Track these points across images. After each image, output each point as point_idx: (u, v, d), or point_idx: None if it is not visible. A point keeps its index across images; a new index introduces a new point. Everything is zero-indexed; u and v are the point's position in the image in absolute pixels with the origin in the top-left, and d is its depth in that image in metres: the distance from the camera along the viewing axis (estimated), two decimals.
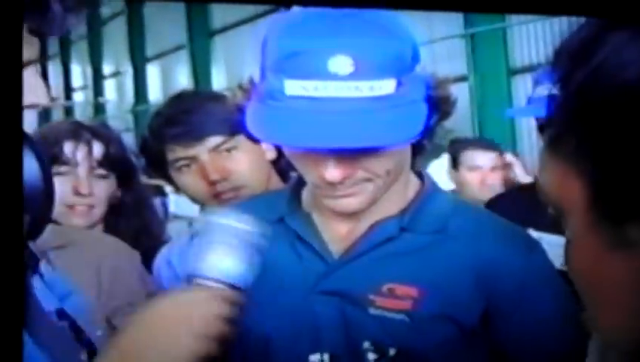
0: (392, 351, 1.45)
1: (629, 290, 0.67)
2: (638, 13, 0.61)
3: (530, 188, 2.18)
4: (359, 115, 1.36)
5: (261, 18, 14.78)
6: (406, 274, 1.48)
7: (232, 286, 1.35)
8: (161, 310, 1.35)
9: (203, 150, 2.04)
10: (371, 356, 1.45)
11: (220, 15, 16.54)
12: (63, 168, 2.12)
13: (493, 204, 2.32)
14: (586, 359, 0.98)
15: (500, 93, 10.66)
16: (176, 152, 2.06)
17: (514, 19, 10.96)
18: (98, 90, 23.24)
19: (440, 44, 10.45)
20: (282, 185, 2.14)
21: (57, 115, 23.70)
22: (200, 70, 16.97)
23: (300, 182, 1.60)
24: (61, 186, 1.99)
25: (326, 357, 1.47)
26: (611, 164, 0.63)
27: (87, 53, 23.08)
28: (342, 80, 1.36)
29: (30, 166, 0.71)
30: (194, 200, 2.16)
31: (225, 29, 16.51)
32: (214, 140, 2.04)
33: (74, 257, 1.65)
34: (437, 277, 1.47)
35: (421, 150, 1.56)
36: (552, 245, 1.85)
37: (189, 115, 2.05)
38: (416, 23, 1.47)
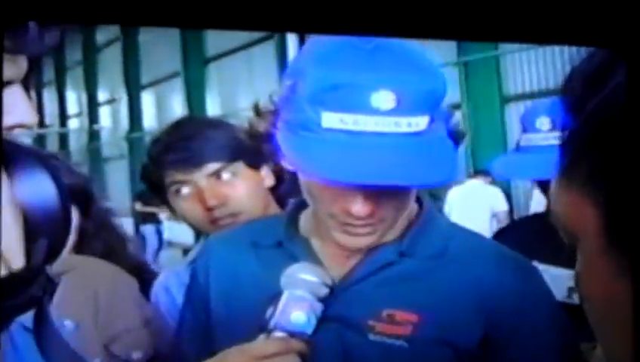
0: None
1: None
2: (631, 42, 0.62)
3: (534, 221, 2.19)
4: (397, 152, 1.36)
5: (255, 46, 14.83)
6: (405, 299, 1.48)
7: (302, 337, 1.43)
8: (231, 358, 1.43)
9: (201, 176, 2.05)
10: None
11: (214, 43, 16.58)
12: None
13: (501, 235, 2.33)
14: None
15: (493, 121, 10.70)
16: (174, 177, 2.07)
17: (507, 47, 11.00)
18: (93, 117, 23.25)
19: None
20: (280, 212, 2.15)
21: (52, 142, 23.72)
22: (194, 97, 17.00)
23: (298, 208, 1.61)
24: None
25: None
26: (624, 191, 0.63)
27: (82, 80, 23.10)
28: (383, 115, 1.35)
29: (47, 189, 0.71)
30: (192, 225, 2.17)
31: (219, 57, 16.55)
32: (213, 166, 2.05)
33: (72, 283, 1.66)
34: (436, 302, 1.48)
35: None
36: (556, 277, 1.86)
37: (188, 142, 2.06)
38: None
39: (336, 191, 1.41)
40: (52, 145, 22.51)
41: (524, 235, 2.20)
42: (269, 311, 1.44)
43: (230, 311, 1.51)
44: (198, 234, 2.27)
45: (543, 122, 2.14)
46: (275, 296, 1.45)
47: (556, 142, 2.18)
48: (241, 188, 2.06)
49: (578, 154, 0.68)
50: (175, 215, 2.21)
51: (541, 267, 1.89)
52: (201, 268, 1.68)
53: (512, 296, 1.50)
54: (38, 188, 0.71)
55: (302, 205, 1.60)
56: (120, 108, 21.20)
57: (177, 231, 12.97)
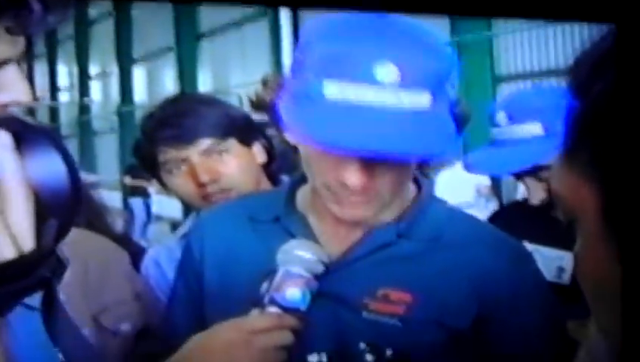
0: (388, 352, 1.46)
1: None
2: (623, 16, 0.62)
3: (524, 204, 2.20)
4: (396, 124, 1.36)
5: (248, 23, 14.78)
6: (401, 279, 1.49)
7: (296, 313, 1.44)
8: (224, 333, 1.44)
9: (194, 152, 2.05)
10: (369, 357, 1.47)
11: (207, 18, 16.53)
12: None
13: (493, 218, 2.35)
14: None
15: (485, 102, 10.70)
16: (167, 154, 2.08)
17: (500, 28, 10.99)
18: (84, 91, 23.17)
19: None
20: (273, 188, 2.16)
21: (42, 114, 23.62)
22: (186, 73, 16.94)
23: (296, 184, 1.62)
24: None
25: (324, 357, 1.49)
26: (622, 175, 0.63)
27: (74, 54, 23.01)
28: (384, 88, 1.36)
29: (58, 168, 0.71)
30: (183, 201, 2.18)
31: (212, 33, 16.49)
32: (206, 143, 2.06)
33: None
34: (431, 284, 1.49)
35: (423, 161, 1.59)
36: (546, 257, 1.88)
37: (181, 118, 2.07)
38: None
39: (333, 161, 1.42)
40: (42, 118, 22.42)
41: (515, 217, 2.22)
42: (263, 287, 1.45)
43: (224, 284, 1.52)
44: (187, 208, 2.28)
45: (501, 117, 2.16)
46: (270, 272, 1.46)
47: (514, 136, 2.18)
48: (233, 165, 2.07)
49: (581, 138, 0.69)
50: (166, 190, 2.22)
51: (531, 247, 1.91)
52: (196, 240, 1.68)
53: (505, 280, 1.51)
54: (49, 167, 0.71)
55: (300, 182, 1.61)
56: (111, 82, 21.14)
57: (166, 205, 12.97)
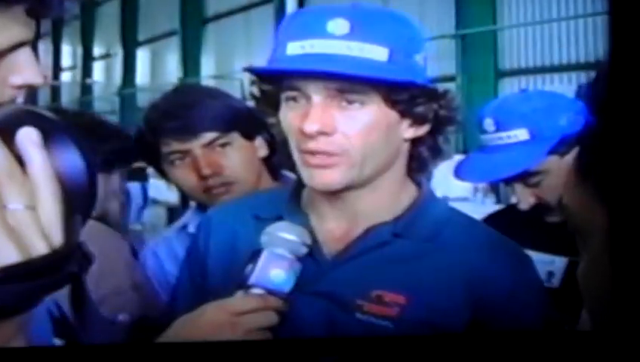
0: None
1: None
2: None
3: (516, 208, 2.21)
4: (347, 62, 1.44)
5: (254, 8, 14.76)
6: (395, 281, 1.50)
7: (280, 296, 1.45)
8: (210, 314, 1.45)
9: (197, 145, 2.05)
10: None
11: (213, 3, 16.50)
12: None
13: (487, 220, 2.36)
14: None
15: (487, 95, 10.69)
16: (170, 146, 2.08)
17: (505, 22, 10.98)
18: (86, 71, 23.14)
19: (430, 44, 10.45)
20: (273, 183, 2.17)
21: (44, 94, 23.59)
22: (190, 57, 16.92)
23: (301, 183, 1.63)
24: None
25: None
26: (632, 197, 0.64)
27: (78, 34, 22.97)
28: (336, 39, 1.44)
29: (78, 164, 0.72)
30: (184, 193, 2.19)
31: (217, 18, 16.47)
32: (209, 136, 2.06)
33: None
34: (425, 286, 1.49)
35: (419, 158, 1.58)
36: (536, 262, 1.89)
37: (186, 110, 2.07)
38: None
39: (293, 114, 1.48)
40: (44, 98, 22.40)
41: (507, 221, 2.22)
42: (248, 268, 1.46)
43: (226, 280, 1.53)
44: (184, 194, 2.28)
45: (488, 123, 2.17)
46: (254, 254, 1.47)
47: (501, 142, 2.17)
48: (236, 158, 2.08)
49: (596, 156, 0.70)
50: (167, 181, 2.22)
51: None
52: (203, 236, 1.70)
53: (501, 283, 1.51)
54: (70, 163, 0.72)
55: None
56: (114, 63, 21.10)
57: (162, 190, 12.94)
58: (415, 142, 1.56)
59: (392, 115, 1.49)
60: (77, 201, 0.72)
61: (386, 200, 1.56)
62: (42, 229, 0.69)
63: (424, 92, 1.51)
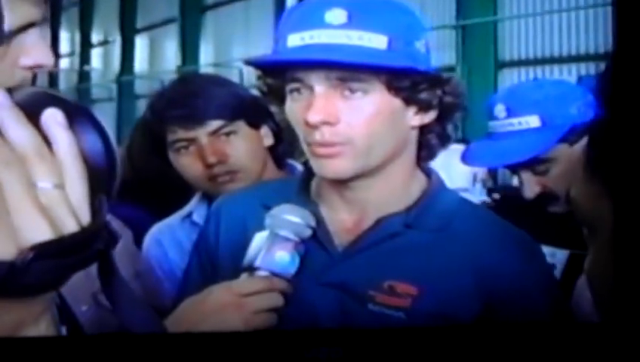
0: None
1: None
2: None
3: (516, 198, 2.20)
4: (346, 50, 1.45)
5: None
6: (407, 271, 1.50)
7: (285, 277, 1.46)
8: (216, 296, 1.45)
9: (203, 133, 2.05)
10: None
11: None
12: None
13: (500, 206, 2.35)
14: None
15: (487, 86, 10.70)
16: (176, 134, 2.08)
17: (506, 12, 10.98)
18: (85, 58, 23.13)
19: (430, 34, 10.46)
20: (278, 172, 2.17)
21: (41, 80, 23.55)
22: (189, 44, 16.92)
23: (310, 173, 1.62)
24: None
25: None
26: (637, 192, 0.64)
27: (77, 20, 22.96)
28: (335, 28, 1.45)
29: (100, 145, 0.73)
30: (189, 181, 2.18)
31: (217, 5, 16.46)
32: (215, 124, 2.05)
33: None
34: (437, 277, 1.49)
35: (428, 145, 1.58)
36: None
37: (192, 98, 2.06)
38: None
39: (298, 106, 1.49)
40: (41, 84, 22.32)
41: (507, 211, 2.22)
42: (253, 251, 1.47)
43: (237, 270, 1.52)
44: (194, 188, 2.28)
45: (500, 109, 2.16)
46: (259, 236, 1.48)
47: (511, 128, 2.17)
48: (241, 147, 2.07)
49: (605, 151, 0.69)
50: (172, 168, 2.22)
51: None
52: (212, 226, 1.70)
53: (512, 274, 1.51)
54: (93, 144, 0.73)
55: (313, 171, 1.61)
56: (113, 50, 21.10)
57: None
58: (423, 130, 1.56)
59: (396, 102, 1.49)
60: (100, 182, 0.73)
61: (396, 190, 1.56)
62: (71, 208, 0.69)
63: (426, 78, 1.51)
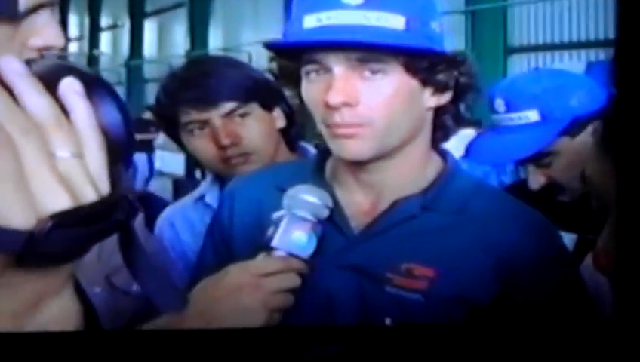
0: None
1: None
2: None
3: (524, 188, 2.20)
4: (364, 31, 1.43)
5: None
6: (425, 254, 1.49)
7: (302, 258, 1.45)
8: (233, 276, 1.44)
9: (216, 115, 2.05)
10: None
11: None
12: None
13: (514, 188, 2.35)
14: None
15: (496, 72, 10.68)
16: (189, 115, 2.07)
17: None
18: (94, 42, 23.12)
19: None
20: (290, 154, 2.17)
21: None
22: (197, 29, 16.90)
23: (324, 156, 1.62)
24: None
25: None
26: None
27: (86, 5, 22.93)
28: (352, 9, 1.43)
29: (117, 117, 0.73)
30: (203, 163, 2.18)
31: None
32: (228, 106, 2.05)
33: None
34: (454, 259, 1.48)
35: (443, 127, 1.58)
36: None
37: (205, 79, 2.06)
38: None
39: (316, 87, 1.47)
40: None
41: (517, 196, 2.22)
42: (270, 231, 1.46)
43: (252, 252, 1.52)
44: (190, 166, 2.28)
45: (499, 104, 2.16)
46: (276, 216, 1.47)
47: (512, 123, 2.16)
48: (254, 129, 2.07)
49: (617, 129, 0.69)
50: (185, 151, 2.22)
51: None
52: (226, 209, 1.70)
53: (529, 256, 1.50)
54: (110, 115, 0.72)
55: (328, 152, 1.60)
56: (122, 34, 21.08)
57: (168, 161, 12.96)
58: (438, 111, 1.56)
59: (414, 83, 1.48)
60: (118, 153, 0.73)
61: (412, 172, 1.56)
62: (90, 177, 0.69)
63: (443, 59, 1.50)
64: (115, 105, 0.73)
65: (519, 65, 10.87)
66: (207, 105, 2.04)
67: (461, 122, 1.59)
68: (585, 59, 10.20)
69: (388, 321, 1.48)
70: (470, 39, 11.19)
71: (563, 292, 1.53)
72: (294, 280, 1.44)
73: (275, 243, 1.45)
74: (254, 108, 2.08)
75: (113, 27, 22.18)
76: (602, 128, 0.73)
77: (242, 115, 2.06)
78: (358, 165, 1.53)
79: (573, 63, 10.05)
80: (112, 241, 1.79)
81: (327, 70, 1.46)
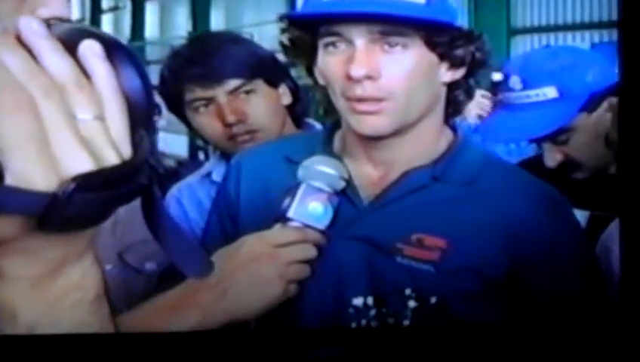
0: (432, 300, 1.47)
1: None
2: None
3: (540, 164, 2.19)
4: (385, 3, 1.43)
5: None
6: (435, 224, 1.49)
7: (318, 229, 1.45)
8: (249, 246, 1.44)
9: (221, 92, 2.04)
10: (412, 303, 1.47)
11: None
12: None
13: (528, 164, 2.34)
14: None
15: (499, 53, 10.64)
16: (194, 93, 2.07)
17: None
18: (95, 24, 23.06)
19: None
20: (296, 131, 2.16)
21: None
22: (199, 10, 16.86)
23: (333, 128, 1.62)
24: None
25: (370, 300, 1.50)
26: None
27: None
28: None
29: (137, 81, 0.72)
30: (209, 141, 2.17)
31: None
32: (233, 83, 2.04)
33: None
34: (465, 230, 1.48)
35: (455, 101, 1.58)
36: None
37: (209, 57, 2.05)
38: None
39: (337, 60, 1.47)
40: None
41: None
42: (285, 202, 1.46)
43: (259, 224, 1.52)
44: (193, 146, 2.28)
45: (515, 81, 2.15)
46: (292, 187, 1.47)
47: (528, 100, 2.16)
48: (260, 106, 2.07)
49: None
50: (190, 129, 2.21)
51: None
52: (232, 182, 1.69)
53: (541, 229, 1.50)
54: (131, 79, 0.71)
55: (337, 125, 1.61)
56: (123, 16, 21.04)
57: (172, 143, 13.03)
58: (451, 86, 1.56)
59: (432, 57, 1.49)
60: (139, 117, 0.71)
61: (424, 147, 1.56)
62: (112, 140, 0.68)
63: (462, 34, 1.50)
64: (135, 69, 0.72)
65: (523, 46, 10.84)
66: (212, 82, 2.04)
67: (471, 97, 1.60)
68: (589, 41, 10.17)
69: (408, 291, 1.48)
70: (473, 20, 11.16)
71: (574, 268, 1.53)
72: (310, 252, 1.44)
73: (290, 213, 1.45)
74: (259, 85, 2.07)
75: (115, 9, 22.14)
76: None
77: (247, 92, 2.06)
78: (371, 140, 1.53)
79: (577, 44, 10.03)
80: (126, 218, 1.78)
81: (348, 42, 1.45)
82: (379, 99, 1.45)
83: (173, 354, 1.21)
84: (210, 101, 2.06)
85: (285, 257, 1.42)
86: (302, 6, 1.52)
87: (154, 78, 2.27)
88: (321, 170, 1.48)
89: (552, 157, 2.14)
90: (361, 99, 1.45)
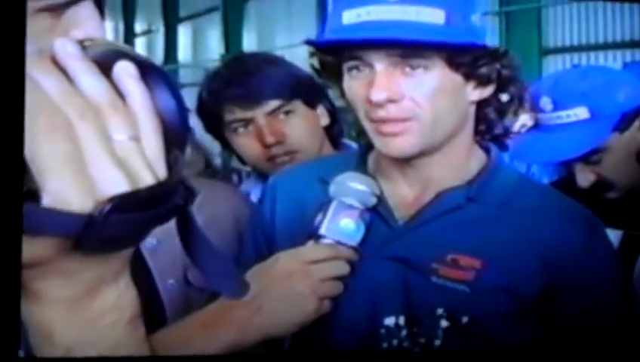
0: (464, 319, 1.47)
1: None
2: None
3: (572, 185, 2.18)
4: (404, 28, 1.43)
5: None
6: (470, 244, 1.50)
7: (350, 246, 1.46)
8: (283, 263, 1.46)
9: (260, 113, 2.06)
10: (444, 323, 1.48)
11: None
12: None
13: (559, 184, 2.34)
14: None
15: (531, 73, 10.61)
16: (234, 113, 2.08)
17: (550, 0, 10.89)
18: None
19: None
20: (334, 152, 2.17)
21: None
22: (231, 33, 16.91)
23: (368, 148, 1.63)
24: None
25: (401, 320, 1.51)
26: None
27: (120, 10, 23.02)
28: (391, 4, 1.43)
29: (172, 102, 0.72)
30: (248, 162, 2.19)
31: None
32: (272, 104, 2.06)
33: None
34: (500, 250, 1.49)
35: (486, 119, 1.58)
36: None
37: (248, 77, 2.07)
38: None
39: (359, 84, 1.48)
40: None
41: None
42: (317, 218, 1.47)
43: (294, 242, 1.53)
44: (226, 169, 2.28)
45: (546, 102, 2.14)
46: (324, 204, 1.48)
47: (560, 121, 2.16)
48: (299, 127, 2.08)
49: None
50: (229, 151, 2.23)
51: None
52: (268, 202, 1.70)
53: (575, 250, 1.50)
54: (165, 100, 0.71)
55: (370, 146, 1.61)
56: (156, 40, 21.15)
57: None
58: (481, 104, 1.56)
59: (457, 78, 1.48)
60: (174, 138, 0.72)
61: (456, 166, 1.56)
62: (147, 161, 0.68)
63: (486, 53, 1.50)
64: (169, 90, 0.72)
65: (554, 66, 10.79)
66: (252, 103, 2.05)
67: (504, 115, 1.58)
68: (620, 60, 10.12)
69: (440, 311, 1.49)
70: (504, 40, 11.13)
71: (608, 289, 1.53)
72: (343, 268, 1.45)
73: (323, 230, 1.46)
74: (298, 106, 2.09)
75: (148, 32, 22.25)
76: None
77: (286, 113, 2.07)
78: (403, 160, 1.54)
79: (609, 64, 9.98)
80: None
81: (369, 66, 1.46)
82: (403, 120, 1.46)
83: None
84: (249, 122, 2.07)
85: (318, 274, 1.43)
86: (325, 30, 1.53)
87: (187, 101, 2.30)
88: (352, 187, 1.49)
89: (585, 178, 2.13)
90: (385, 120, 1.46)
